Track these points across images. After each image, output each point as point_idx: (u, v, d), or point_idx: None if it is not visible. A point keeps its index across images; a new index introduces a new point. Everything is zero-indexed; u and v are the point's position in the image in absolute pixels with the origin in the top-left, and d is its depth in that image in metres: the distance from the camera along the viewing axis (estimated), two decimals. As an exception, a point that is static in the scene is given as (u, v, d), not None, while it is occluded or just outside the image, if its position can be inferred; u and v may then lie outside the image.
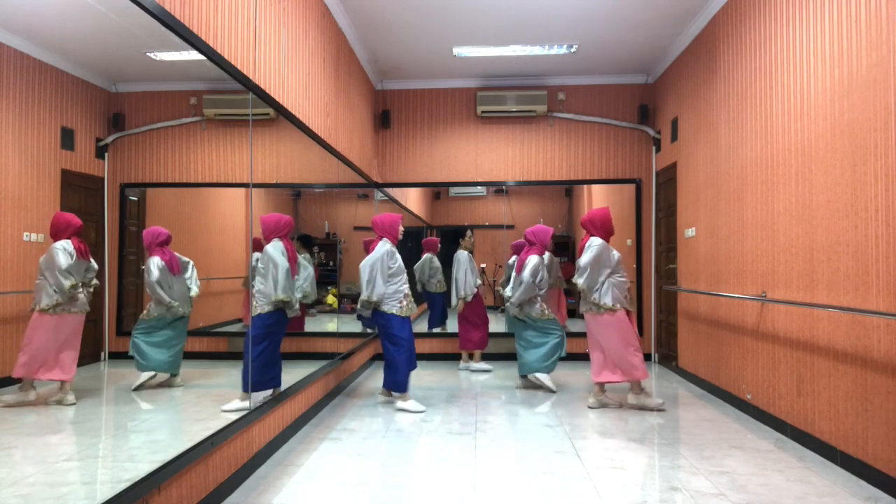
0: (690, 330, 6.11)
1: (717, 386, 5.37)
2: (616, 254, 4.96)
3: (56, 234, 2.48)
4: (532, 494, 3.18)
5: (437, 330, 7.63)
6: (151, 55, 2.88)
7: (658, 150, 7.24)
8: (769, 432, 4.29)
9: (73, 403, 2.66)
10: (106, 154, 2.59)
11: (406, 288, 5.08)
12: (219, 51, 3.15)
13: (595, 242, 4.89)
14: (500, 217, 7.89)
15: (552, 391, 5.59)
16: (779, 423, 4.28)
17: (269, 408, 3.75)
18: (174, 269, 3.28)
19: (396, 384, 5.06)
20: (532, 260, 5.57)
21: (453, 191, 8.17)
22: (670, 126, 6.73)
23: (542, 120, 7.51)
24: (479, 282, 6.74)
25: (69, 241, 2.52)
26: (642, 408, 4.92)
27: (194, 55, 2.93)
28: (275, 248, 4.35)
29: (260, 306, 4.29)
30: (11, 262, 2.13)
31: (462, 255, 6.69)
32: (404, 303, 5.03)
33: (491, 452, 3.88)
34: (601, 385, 5.03)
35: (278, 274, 4.26)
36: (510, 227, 7.84)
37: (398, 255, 5.09)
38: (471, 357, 6.94)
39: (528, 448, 4.01)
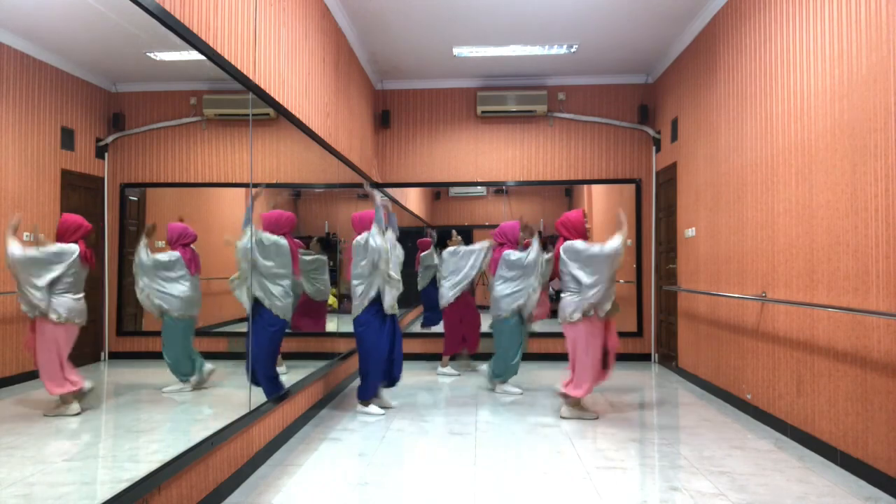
0: (690, 330, 6.11)
1: (717, 386, 5.36)
2: None
3: (62, 236, 2.41)
4: (532, 494, 3.18)
5: (433, 329, 7.58)
6: (151, 55, 2.88)
7: (658, 150, 7.23)
8: (769, 432, 4.29)
9: (77, 413, 2.60)
10: (106, 154, 2.59)
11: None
12: (219, 51, 3.15)
13: (581, 245, 4.54)
14: (500, 217, 7.88)
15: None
16: (779, 423, 4.28)
17: (268, 408, 3.75)
18: (192, 268, 3.29)
19: (365, 389, 4.88)
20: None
21: (453, 191, 8.16)
22: (670, 126, 6.73)
23: (542, 120, 7.51)
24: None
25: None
26: (579, 418, 4.64)
27: (194, 55, 2.93)
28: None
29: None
30: (11, 262, 2.13)
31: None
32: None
33: (491, 452, 3.88)
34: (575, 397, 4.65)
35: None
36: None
37: None
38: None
39: (528, 448, 4.00)
